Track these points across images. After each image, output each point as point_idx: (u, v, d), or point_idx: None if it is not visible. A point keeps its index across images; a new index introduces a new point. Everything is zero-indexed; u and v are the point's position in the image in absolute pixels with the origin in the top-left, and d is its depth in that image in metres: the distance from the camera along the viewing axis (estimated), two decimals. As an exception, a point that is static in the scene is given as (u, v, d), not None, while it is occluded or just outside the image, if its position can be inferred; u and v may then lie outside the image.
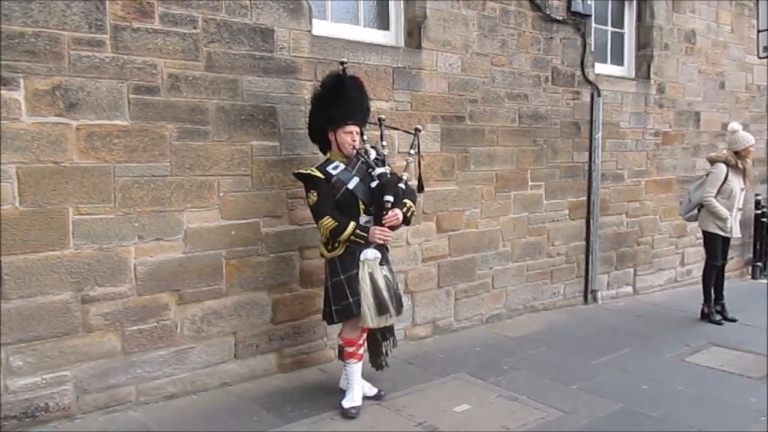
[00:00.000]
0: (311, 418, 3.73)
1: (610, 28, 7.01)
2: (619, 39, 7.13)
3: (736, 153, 5.98)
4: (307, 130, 4.11)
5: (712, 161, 6.13)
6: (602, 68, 6.78)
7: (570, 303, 6.51)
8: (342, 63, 4.06)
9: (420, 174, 4.16)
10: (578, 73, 6.33)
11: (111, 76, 3.60)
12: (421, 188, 4.15)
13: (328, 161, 3.90)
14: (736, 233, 6.10)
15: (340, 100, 3.86)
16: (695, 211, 6.17)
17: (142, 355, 3.81)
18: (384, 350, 4.16)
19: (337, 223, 3.71)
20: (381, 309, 3.73)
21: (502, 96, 5.68)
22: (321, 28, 4.60)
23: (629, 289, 7.16)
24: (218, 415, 3.76)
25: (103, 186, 3.62)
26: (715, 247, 6.09)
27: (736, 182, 5.99)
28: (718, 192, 5.95)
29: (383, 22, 5.10)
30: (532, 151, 6.00)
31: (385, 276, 3.82)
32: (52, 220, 3.46)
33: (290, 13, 4.30)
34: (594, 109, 6.46)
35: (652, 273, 7.44)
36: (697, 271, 7.84)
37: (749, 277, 8.59)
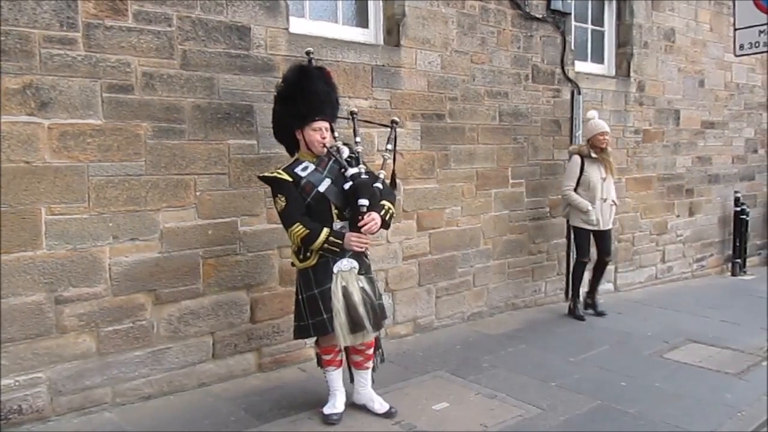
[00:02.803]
0: (289, 418, 3.71)
1: (590, 26, 7.04)
2: (599, 37, 7.16)
3: (589, 142, 5.91)
4: (272, 130, 3.86)
5: (570, 154, 6.05)
6: (582, 66, 6.81)
7: (551, 301, 6.53)
8: (308, 53, 3.83)
9: (394, 170, 3.91)
10: (558, 71, 6.35)
11: (84, 75, 3.56)
12: (393, 185, 3.86)
13: (297, 162, 3.61)
14: (605, 225, 5.93)
15: (305, 94, 3.56)
16: (568, 207, 6.02)
17: (117, 355, 3.77)
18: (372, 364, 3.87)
19: (308, 231, 3.42)
20: (354, 327, 3.44)
21: (482, 94, 5.69)
22: (299, 25, 4.58)
23: (610, 286, 7.19)
24: (195, 415, 3.73)
25: (77, 186, 3.58)
26: (583, 241, 5.97)
27: (594, 172, 5.86)
28: (579, 184, 5.86)
29: (362, 20, 5.09)
30: (513, 149, 6.02)
31: (362, 288, 3.52)
32: (23, 220, 3.42)
33: (267, 11, 4.27)
34: (574, 106, 6.49)
35: (633, 270, 7.48)
36: (678, 268, 7.98)
37: (729, 274, 8.64)
